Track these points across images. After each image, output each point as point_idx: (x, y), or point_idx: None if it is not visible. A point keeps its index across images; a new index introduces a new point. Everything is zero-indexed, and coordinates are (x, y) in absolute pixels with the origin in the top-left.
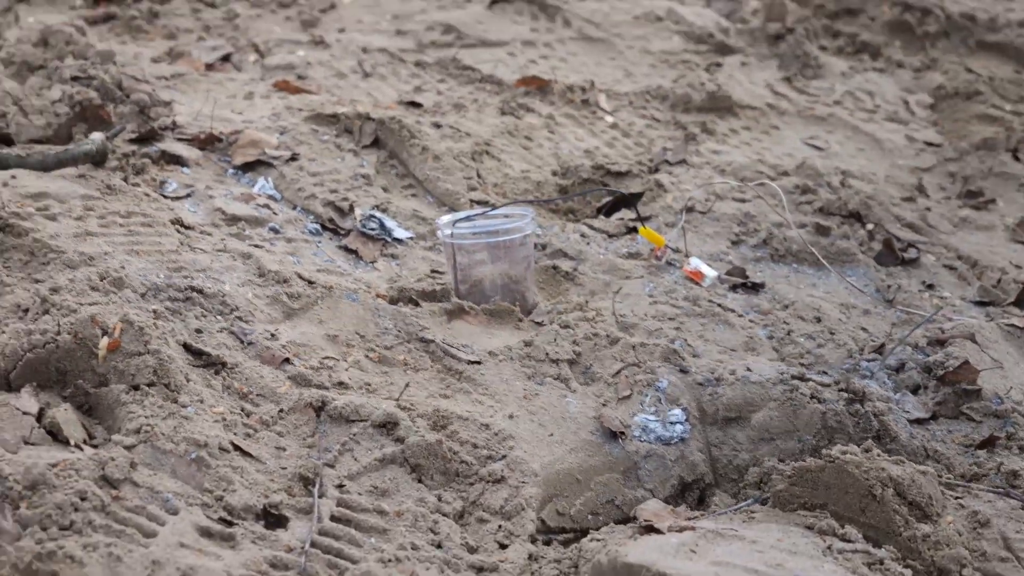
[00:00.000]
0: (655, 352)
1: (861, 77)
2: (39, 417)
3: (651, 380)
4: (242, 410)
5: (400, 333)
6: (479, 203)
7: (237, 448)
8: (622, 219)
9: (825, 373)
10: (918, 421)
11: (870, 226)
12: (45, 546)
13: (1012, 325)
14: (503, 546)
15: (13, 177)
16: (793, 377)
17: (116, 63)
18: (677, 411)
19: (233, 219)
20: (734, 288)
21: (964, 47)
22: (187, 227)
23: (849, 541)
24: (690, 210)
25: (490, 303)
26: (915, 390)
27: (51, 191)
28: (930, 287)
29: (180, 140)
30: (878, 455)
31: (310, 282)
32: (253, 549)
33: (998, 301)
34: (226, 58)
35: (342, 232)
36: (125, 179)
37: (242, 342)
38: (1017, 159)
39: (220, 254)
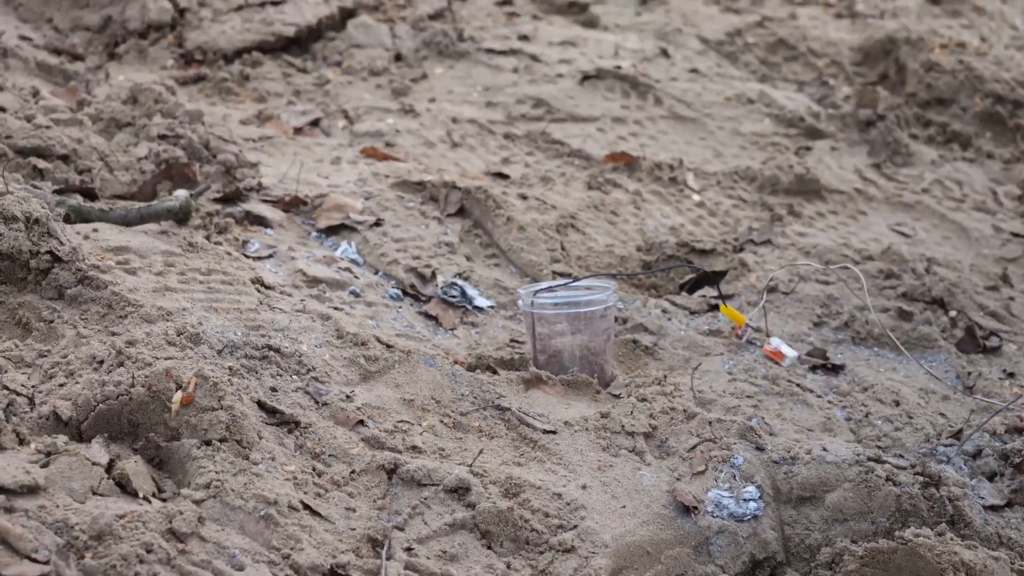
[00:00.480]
0: (732, 429)
1: (950, 166)
2: (109, 468)
3: (726, 456)
4: (314, 470)
5: (476, 400)
6: (562, 275)
7: (307, 507)
8: (704, 296)
9: (901, 456)
10: (993, 508)
11: (953, 313)
12: None
13: None
14: None
15: (95, 231)
16: (869, 459)
17: (204, 123)
18: (751, 488)
19: (314, 281)
20: (814, 369)
21: None
22: (267, 287)
23: None
24: (772, 290)
25: (568, 374)
26: (991, 477)
27: (132, 246)
28: (1011, 375)
29: (265, 201)
30: (951, 539)
31: (388, 346)
32: None
33: None
34: (315, 123)
35: (423, 298)
36: (207, 237)
37: (317, 402)
38: None
39: (299, 315)
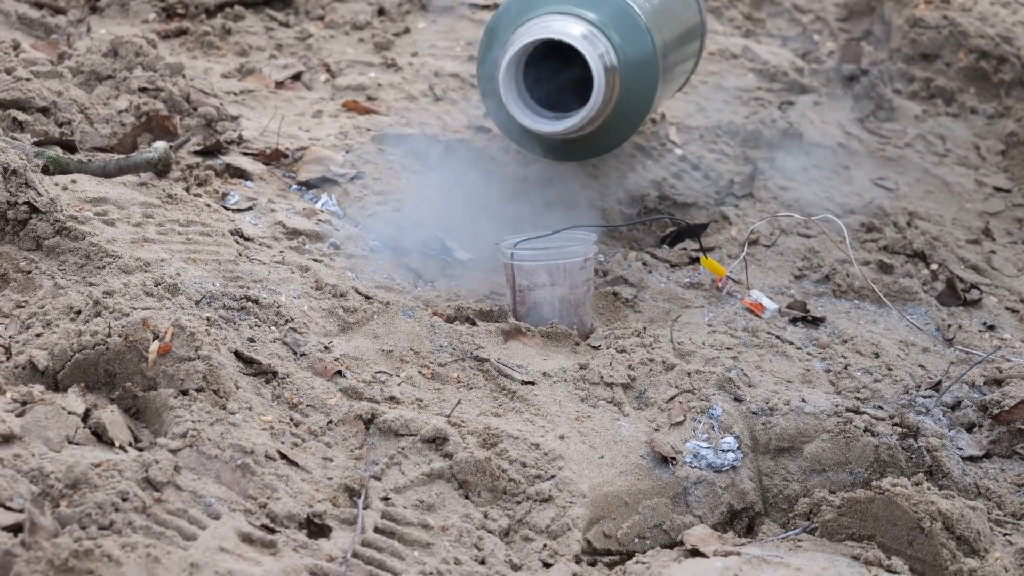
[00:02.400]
0: (710, 380)
1: (934, 121)
2: (85, 418)
3: (705, 407)
4: (291, 419)
5: (455, 351)
6: (543, 228)
7: (283, 457)
8: (685, 249)
9: (880, 407)
10: (971, 458)
11: (934, 266)
12: (83, 544)
13: None
14: (547, 565)
15: (73, 182)
16: (847, 410)
17: (185, 76)
18: (729, 439)
19: (294, 233)
20: (794, 321)
21: None
22: (246, 238)
23: (895, 573)
24: (754, 243)
25: (547, 325)
26: (970, 428)
27: (111, 197)
28: (991, 328)
29: (245, 154)
30: (928, 489)
31: (367, 297)
32: (294, 557)
33: None
34: (297, 76)
35: (403, 251)
36: (187, 189)
37: (295, 353)
38: None
39: (278, 266)
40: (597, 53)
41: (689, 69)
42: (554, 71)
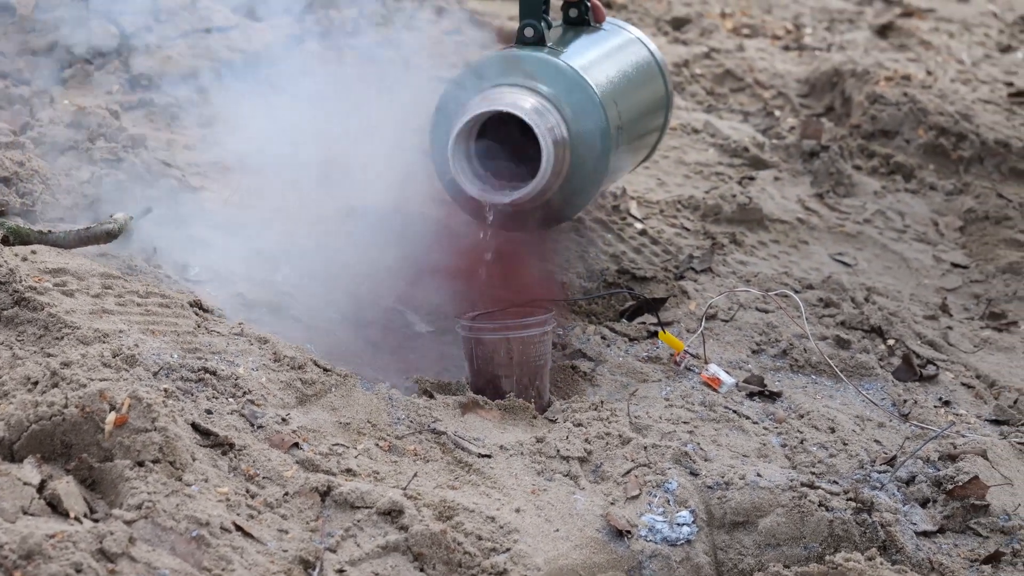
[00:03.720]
0: (666, 454)
1: (893, 197)
2: (40, 488)
3: (661, 481)
4: (247, 491)
5: (412, 423)
6: (502, 301)
7: (239, 528)
8: (644, 323)
9: (835, 482)
10: (925, 534)
11: (891, 341)
12: None
13: None
14: None
15: (33, 252)
16: (802, 484)
17: (147, 148)
18: (685, 513)
19: (253, 305)
20: (751, 396)
21: (997, 173)
22: (205, 310)
23: None
24: (712, 318)
25: (505, 399)
26: (924, 503)
27: (70, 268)
28: (946, 403)
29: (206, 225)
30: (881, 563)
31: (325, 369)
32: None
33: (1013, 420)
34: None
35: (363, 323)
36: (147, 260)
37: (252, 425)
38: None
39: (237, 338)
40: (547, 126)
41: (653, 142)
42: (514, 141)
